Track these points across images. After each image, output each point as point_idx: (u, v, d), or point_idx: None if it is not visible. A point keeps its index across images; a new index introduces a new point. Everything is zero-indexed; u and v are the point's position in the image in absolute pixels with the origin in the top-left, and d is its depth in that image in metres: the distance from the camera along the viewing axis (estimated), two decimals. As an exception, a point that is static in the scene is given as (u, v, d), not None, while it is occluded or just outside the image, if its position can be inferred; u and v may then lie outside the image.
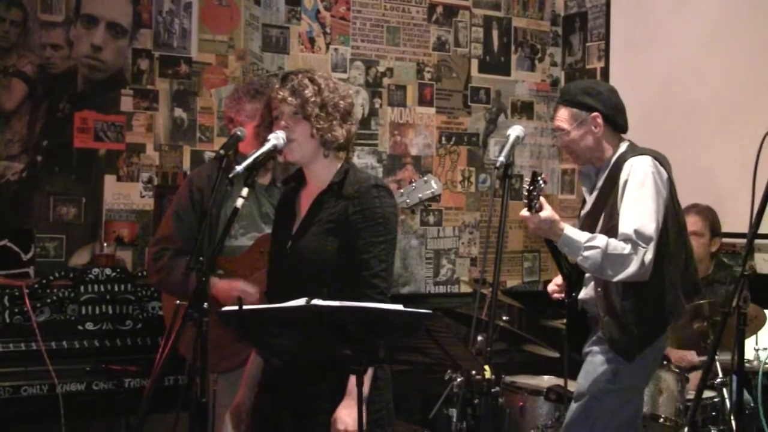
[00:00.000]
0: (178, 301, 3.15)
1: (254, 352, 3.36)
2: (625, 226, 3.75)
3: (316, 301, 2.66)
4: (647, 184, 3.80)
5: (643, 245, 3.70)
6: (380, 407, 3.15)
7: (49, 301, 4.74)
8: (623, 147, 3.99)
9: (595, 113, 3.96)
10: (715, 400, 4.61)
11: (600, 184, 4.00)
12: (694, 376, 4.72)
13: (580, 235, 3.73)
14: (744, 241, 4.89)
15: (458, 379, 4.72)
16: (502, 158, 3.31)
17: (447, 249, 6.55)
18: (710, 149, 5.78)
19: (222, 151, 3.25)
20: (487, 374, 3.25)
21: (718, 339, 3.19)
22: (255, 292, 3.99)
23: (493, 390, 3.42)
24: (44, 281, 4.79)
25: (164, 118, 5.62)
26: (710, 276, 5.12)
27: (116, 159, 5.49)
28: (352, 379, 2.86)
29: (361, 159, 6.14)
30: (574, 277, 4.02)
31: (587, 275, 3.96)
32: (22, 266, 5.07)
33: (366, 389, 3.03)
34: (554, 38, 6.95)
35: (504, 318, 5.14)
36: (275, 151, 3.15)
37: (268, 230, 3.99)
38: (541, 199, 3.63)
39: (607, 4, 6.59)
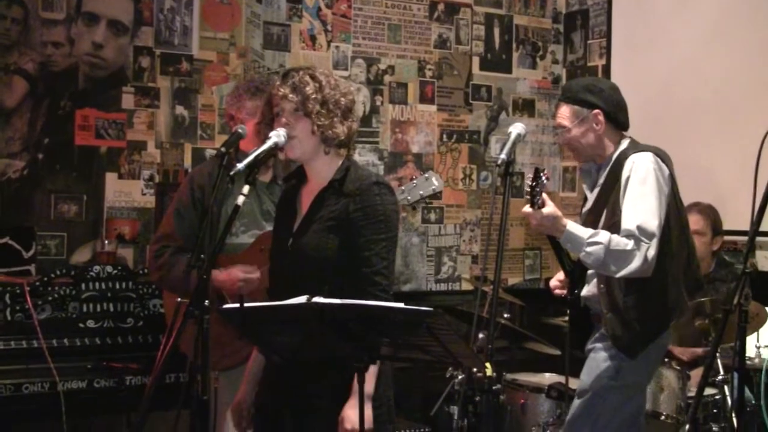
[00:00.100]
0: (179, 299, 3.15)
1: (255, 349, 3.37)
2: (628, 222, 3.75)
3: (317, 299, 2.66)
4: (649, 181, 3.80)
5: (646, 241, 3.71)
6: (381, 404, 3.15)
7: (50, 298, 4.75)
8: (624, 144, 3.99)
9: (597, 110, 3.96)
10: (717, 397, 4.61)
11: (601, 181, 4.00)
12: (696, 374, 4.73)
13: (583, 231, 3.74)
14: (745, 238, 4.91)
15: (459, 377, 4.72)
16: (503, 156, 3.31)
17: (448, 246, 6.55)
18: (711, 147, 5.78)
19: (223, 149, 3.25)
20: (489, 372, 3.25)
21: (719, 336, 3.19)
22: (253, 270, 3.98)
23: (494, 387, 3.41)
24: (45, 279, 4.79)
25: (165, 115, 5.62)
26: (711, 274, 5.12)
27: (117, 156, 5.50)
28: (358, 378, 2.87)
29: (363, 156, 6.14)
30: (577, 274, 4.02)
31: (590, 272, 3.96)
32: (23, 264, 5.07)
33: (370, 387, 3.04)
34: (556, 36, 6.95)
35: (505, 315, 5.14)
36: (276, 148, 3.15)
37: (269, 228, 3.99)
38: (544, 195, 3.63)
39: (609, 2, 6.59)
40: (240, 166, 3.08)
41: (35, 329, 4.59)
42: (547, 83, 6.91)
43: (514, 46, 6.79)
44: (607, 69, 6.57)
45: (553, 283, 4.19)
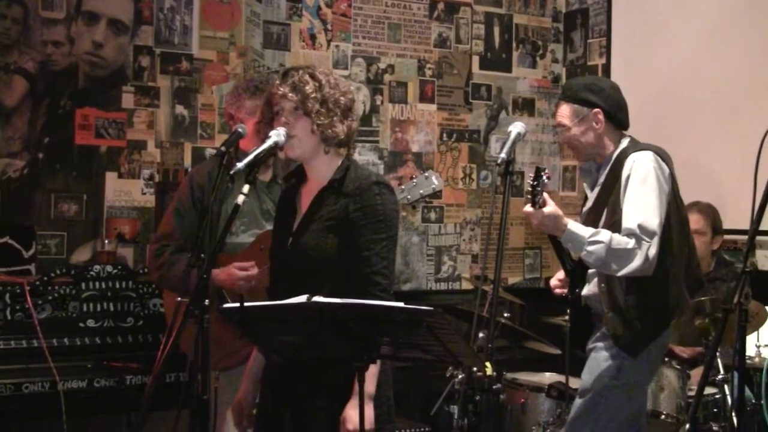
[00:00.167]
0: (179, 298, 3.15)
1: (255, 349, 3.37)
2: (629, 221, 3.75)
3: (317, 298, 2.66)
4: (649, 180, 3.80)
5: (647, 240, 3.71)
6: (380, 404, 3.15)
7: (50, 298, 4.75)
8: (625, 143, 3.99)
9: (597, 109, 3.96)
10: (717, 396, 4.60)
11: (602, 180, 4.00)
12: (696, 373, 4.73)
13: (584, 231, 3.74)
14: (745, 238, 4.90)
15: (459, 376, 4.72)
16: (503, 155, 3.31)
17: (448, 246, 6.55)
18: (711, 146, 5.78)
19: (223, 148, 3.25)
20: (489, 371, 3.25)
21: (719, 336, 3.19)
22: (250, 266, 3.98)
23: (494, 387, 3.42)
24: (45, 278, 4.80)
25: (165, 115, 5.62)
26: (712, 273, 5.12)
27: (117, 156, 5.49)
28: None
29: (362, 156, 6.14)
30: (577, 274, 4.02)
31: (590, 271, 3.96)
32: (23, 263, 5.07)
33: (371, 387, 3.04)
34: (555, 35, 6.95)
35: (505, 315, 5.14)
36: (276, 147, 3.15)
37: (269, 227, 3.99)
38: (545, 194, 3.63)
39: (609, 1, 6.59)
40: (240, 165, 3.08)
41: (35, 329, 4.59)
42: (547, 82, 6.91)
43: (514, 45, 6.79)
44: (607, 68, 6.56)
45: (553, 282, 4.19)
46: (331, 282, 3.07)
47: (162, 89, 5.61)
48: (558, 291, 4.15)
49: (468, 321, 4.97)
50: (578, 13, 6.84)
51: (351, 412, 3.00)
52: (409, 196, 4.34)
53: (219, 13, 5.79)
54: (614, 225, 3.80)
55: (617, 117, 4.00)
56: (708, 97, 5.84)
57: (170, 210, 4.25)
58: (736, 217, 5.18)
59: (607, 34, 6.60)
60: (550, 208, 3.65)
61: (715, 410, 4.64)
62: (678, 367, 4.57)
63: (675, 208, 3.89)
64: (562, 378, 4.73)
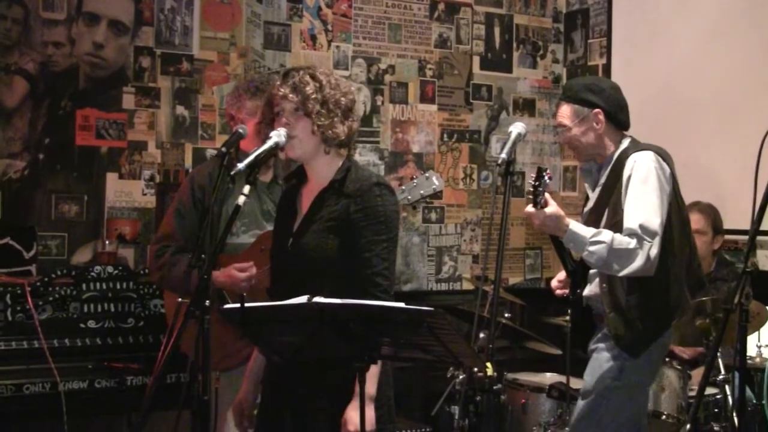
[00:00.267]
0: (179, 299, 3.15)
1: (256, 349, 3.37)
2: (630, 221, 3.75)
3: (317, 299, 2.66)
4: (650, 180, 3.80)
5: (649, 240, 3.71)
6: (381, 404, 3.15)
7: (51, 299, 4.75)
8: (625, 143, 3.99)
9: (597, 110, 3.96)
10: (718, 396, 4.60)
11: (603, 180, 4.00)
12: (696, 373, 4.73)
13: (586, 231, 3.74)
14: (746, 238, 4.91)
15: (460, 377, 4.72)
16: (503, 155, 3.30)
17: (449, 246, 6.55)
18: (711, 146, 5.78)
19: (224, 149, 3.25)
20: (489, 371, 3.25)
21: (720, 336, 3.19)
22: (249, 266, 3.98)
23: (495, 387, 3.43)
24: (46, 279, 4.80)
25: (166, 115, 5.62)
26: (712, 273, 5.12)
27: (118, 157, 5.50)
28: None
29: (363, 156, 6.14)
30: (579, 274, 4.02)
31: (592, 272, 3.96)
32: (24, 264, 5.07)
33: (372, 388, 3.04)
34: (556, 35, 6.95)
35: (506, 315, 5.14)
36: (277, 148, 3.15)
37: (269, 228, 3.99)
38: (546, 195, 3.63)
39: (609, 2, 6.59)
40: (240, 165, 3.08)
41: (36, 329, 4.59)
42: (548, 83, 6.91)
43: (514, 45, 6.79)
44: (607, 68, 6.57)
45: (554, 283, 4.19)
46: (332, 283, 3.07)
47: (162, 90, 5.61)
48: (559, 292, 4.15)
49: (469, 321, 4.97)
50: (579, 13, 6.84)
51: (352, 414, 3.00)
52: (409, 197, 4.34)
53: (219, 13, 5.79)
54: (615, 225, 3.80)
55: (618, 117, 4.00)
56: (708, 97, 5.84)
57: (171, 210, 4.25)
58: (737, 217, 5.18)
59: (608, 35, 6.60)
60: (552, 208, 3.65)
61: (716, 410, 4.64)
62: (679, 367, 4.57)
63: (676, 208, 3.89)
64: (563, 378, 4.73)
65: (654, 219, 3.74)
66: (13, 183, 5.24)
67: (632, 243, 3.70)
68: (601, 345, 3.94)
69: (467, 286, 6.51)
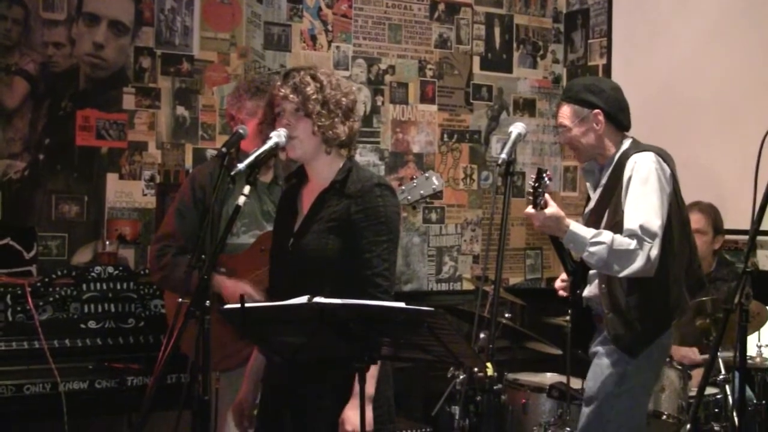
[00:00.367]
0: (180, 299, 3.15)
1: (256, 349, 3.37)
2: (630, 221, 3.75)
3: (317, 299, 2.66)
4: (651, 180, 3.80)
5: (649, 241, 3.71)
6: (381, 404, 3.15)
7: (51, 299, 4.75)
8: (626, 144, 3.99)
9: (597, 110, 3.96)
10: (718, 396, 4.61)
11: (604, 181, 4.00)
12: (697, 373, 4.72)
13: (586, 231, 3.74)
14: (746, 238, 4.90)
15: (461, 377, 4.72)
16: (504, 155, 3.30)
17: (449, 246, 6.55)
18: (711, 146, 5.78)
19: (224, 149, 3.25)
20: (490, 371, 3.25)
21: (720, 336, 3.19)
22: (259, 294, 3.98)
23: (495, 387, 3.42)
24: (47, 280, 4.80)
25: (166, 116, 5.62)
26: (713, 273, 5.12)
27: (118, 157, 5.50)
28: (359, 379, 2.86)
29: (363, 156, 6.14)
30: (579, 275, 4.02)
31: (591, 272, 3.96)
32: (24, 265, 5.07)
33: (371, 389, 3.04)
34: (556, 35, 6.95)
35: (506, 315, 5.13)
36: (277, 148, 3.15)
37: (269, 228, 3.99)
38: (546, 195, 3.63)
39: (609, 2, 6.59)
40: (241, 166, 3.08)
41: (36, 330, 4.59)
42: (548, 83, 6.91)
43: (514, 45, 6.79)
44: (607, 68, 6.57)
45: (558, 284, 4.17)
46: (332, 283, 3.07)
47: (163, 90, 5.61)
48: (562, 293, 4.15)
49: (469, 321, 4.97)
50: (579, 13, 6.85)
51: (349, 413, 3.00)
52: (409, 197, 4.34)
53: (220, 14, 5.80)
54: (616, 226, 3.80)
55: (618, 118, 3.99)
56: (708, 97, 5.84)
57: (171, 210, 4.25)
58: (737, 217, 5.18)
59: (608, 35, 6.60)
60: (552, 209, 3.65)
61: (716, 410, 4.64)
62: (679, 367, 4.57)
63: (676, 209, 3.89)
64: (563, 378, 4.73)
65: (654, 220, 3.74)
66: (14, 183, 5.24)
67: (632, 244, 3.70)
68: (602, 350, 3.93)
69: (467, 286, 6.51)
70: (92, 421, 4.82)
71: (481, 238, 6.63)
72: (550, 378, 5.07)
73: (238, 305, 2.74)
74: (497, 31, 6.73)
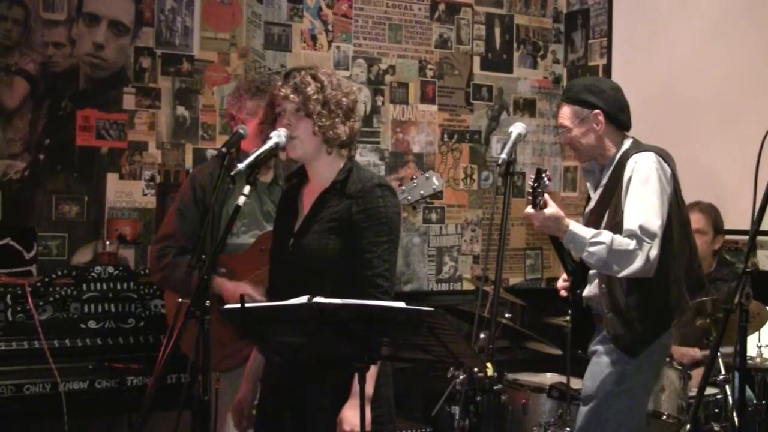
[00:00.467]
0: (180, 299, 3.15)
1: (256, 349, 3.37)
2: (630, 222, 3.75)
3: (318, 299, 2.66)
4: (651, 181, 3.79)
5: (648, 241, 3.71)
6: (380, 404, 3.15)
7: (51, 299, 4.75)
8: (627, 144, 3.99)
9: (597, 111, 3.96)
10: (718, 396, 4.61)
11: (605, 181, 4.00)
12: (697, 373, 4.73)
13: (585, 231, 3.74)
14: (746, 238, 4.90)
15: (461, 377, 4.72)
16: (504, 155, 3.30)
17: (449, 246, 6.55)
18: (712, 146, 5.78)
19: (224, 149, 3.25)
20: (490, 372, 3.25)
21: (720, 336, 3.19)
22: (260, 294, 3.98)
23: (495, 387, 3.41)
24: (47, 280, 4.80)
25: (166, 116, 5.63)
26: (713, 273, 5.12)
27: (118, 157, 5.50)
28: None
29: (364, 156, 6.14)
30: (579, 275, 4.01)
31: (591, 272, 3.95)
32: (24, 265, 5.07)
33: (370, 389, 3.04)
34: (556, 35, 6.95)
35: (506, 315, 5.14)
36: (277, 148, 3.15)
37: (269, 228, 3.98)
38: (546, 196, 3.63)
39: (609, 2, 6.59)
40: (241, 166, 3.08)
41: (36, 330, 4.59)
42: (548, 83, 6.91)
43: (514, 45, 6.79)
44: (607, 68, 6.57)
45: (560, 284, 4.17)
46: (332, 283, 3.07)
47: (163, 90, 5.61)
48: (564, 293, 4.14)
49: (469, 321, 4.97)
50: (579, 13, 6.85)
51: (348, 413, 3.00)
52: (409, 197, 4.34)
53: (220, 14, 5.80)
54: (616, 226, 3.80)
55: (618, 118, 3.99)
56: (708, 97, 5.84)
57: (172, 210, 4.25)
58: (737, 217, 5.18)
59: (608, 35, 6.60)
60: (551, 209, 3.65)
61: (716, 410, 4.64)
62: (679, 367, 4.57)
63: (676, 209, 3.89)
64: (563, 378, 4.73)
65: (654, 220, 3.74)
66: (14, 183, 5.24)
67: (632, 244, 3.70)
68: (601, 348, 3.93)
69: (468, 286, 6.51)
70: (92, 421, 4.82)
71: (481, 238, 6.63)
72: (550, 378, 5.07)
73: (238, 305, 2.74)
74: (497, 31, 6.73)
